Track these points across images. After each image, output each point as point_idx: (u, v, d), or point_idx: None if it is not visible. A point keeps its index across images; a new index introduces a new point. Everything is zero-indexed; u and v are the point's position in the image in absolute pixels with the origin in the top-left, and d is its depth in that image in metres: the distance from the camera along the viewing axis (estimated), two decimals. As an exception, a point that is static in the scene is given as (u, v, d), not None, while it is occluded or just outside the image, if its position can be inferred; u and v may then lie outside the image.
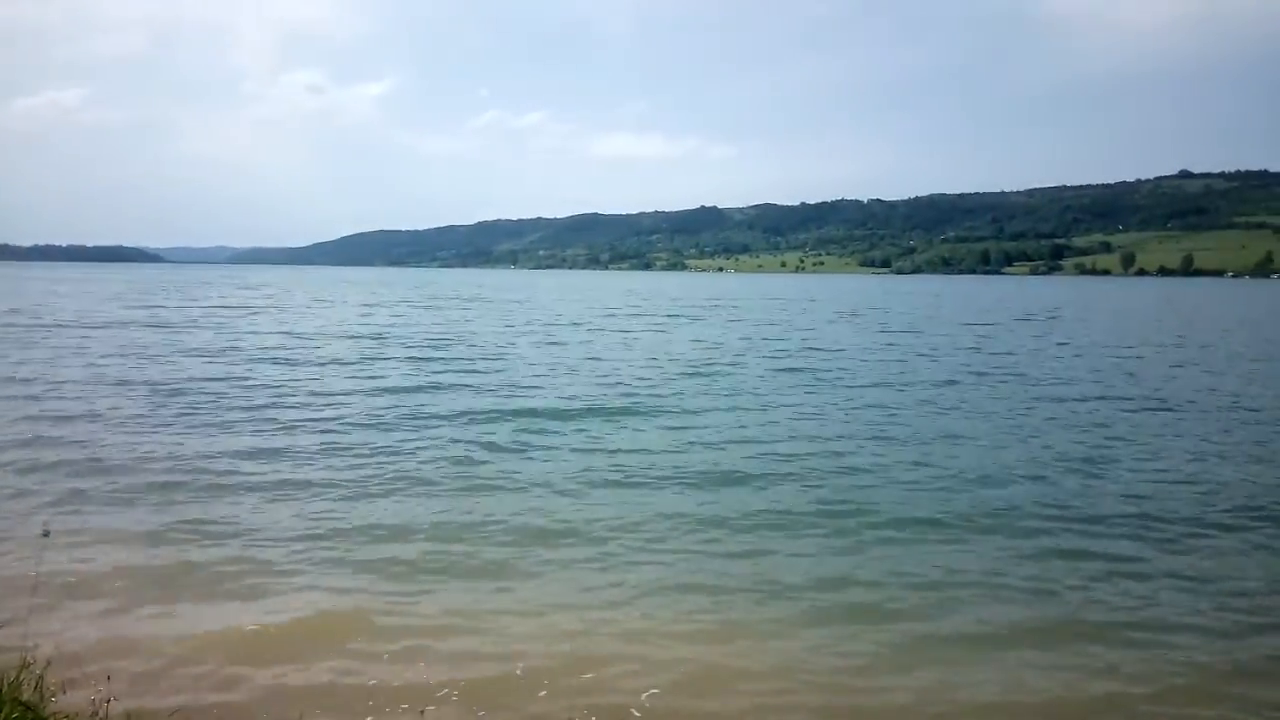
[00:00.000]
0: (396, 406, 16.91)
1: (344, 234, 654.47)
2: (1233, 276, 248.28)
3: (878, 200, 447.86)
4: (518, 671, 6.34)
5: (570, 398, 18.41)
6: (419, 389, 19.42)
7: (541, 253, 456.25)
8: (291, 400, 17.60)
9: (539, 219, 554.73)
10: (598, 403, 17.81)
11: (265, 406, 16.72)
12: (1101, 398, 19.66)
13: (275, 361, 24.20)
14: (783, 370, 24.27)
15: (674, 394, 19.34)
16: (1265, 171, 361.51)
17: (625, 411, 16.83)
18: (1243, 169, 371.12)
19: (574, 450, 13.38)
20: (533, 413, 16.41)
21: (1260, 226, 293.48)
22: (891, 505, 10.60)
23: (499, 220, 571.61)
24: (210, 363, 23.31)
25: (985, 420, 16.62)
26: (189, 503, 10.20)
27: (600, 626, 7.13)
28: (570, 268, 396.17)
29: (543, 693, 6.06)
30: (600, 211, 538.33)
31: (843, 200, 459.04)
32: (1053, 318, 53.29)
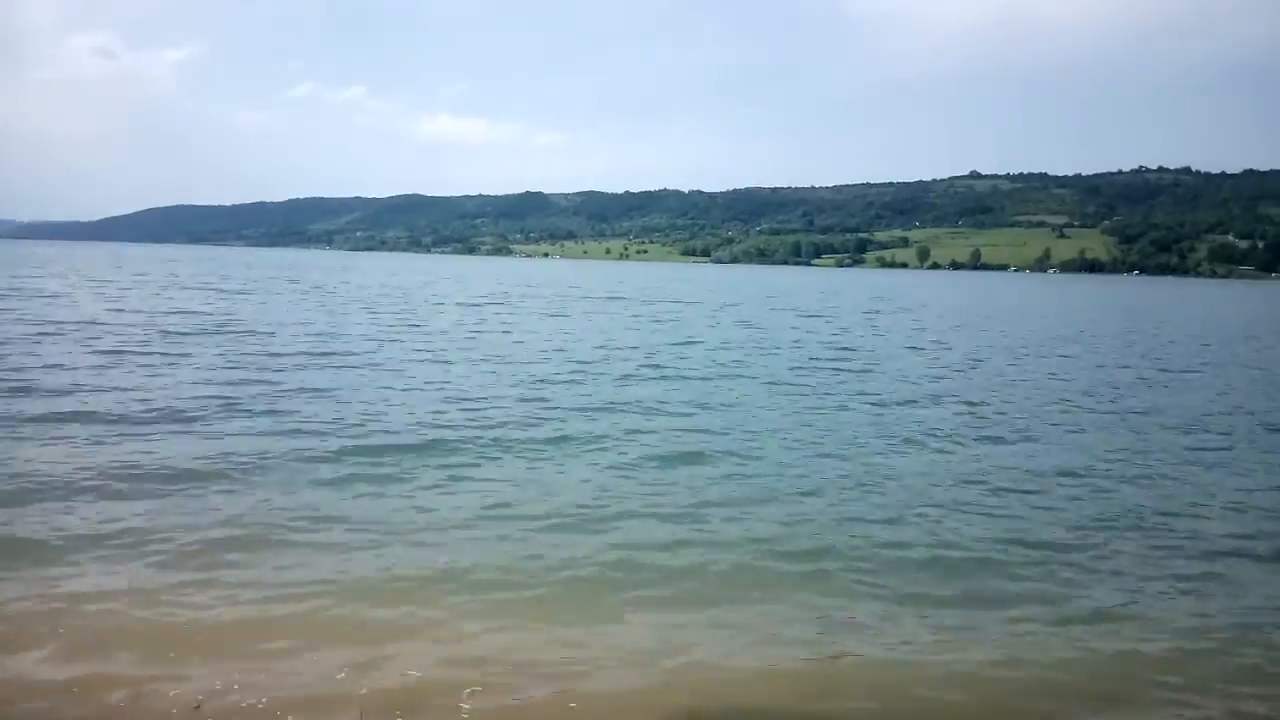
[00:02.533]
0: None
1: (141, 207, 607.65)
2: (1015, 270, 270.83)
3: (699, 191, 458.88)
4: (339, 675, 5.97)
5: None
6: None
7: (360, 233, 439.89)
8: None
9: (357, 198, 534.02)
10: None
11: None
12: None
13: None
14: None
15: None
16: (1045, 174, 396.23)
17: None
18: (1025, 171, 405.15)
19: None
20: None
21: (1040, 225, 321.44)
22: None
23: (313, 198, 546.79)
24: None
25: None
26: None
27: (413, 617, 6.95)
28: (391, 250, 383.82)
29: (364, 690, 5.76)
30: (422, 193, 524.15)
31: (665, 190, 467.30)
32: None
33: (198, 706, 5.41)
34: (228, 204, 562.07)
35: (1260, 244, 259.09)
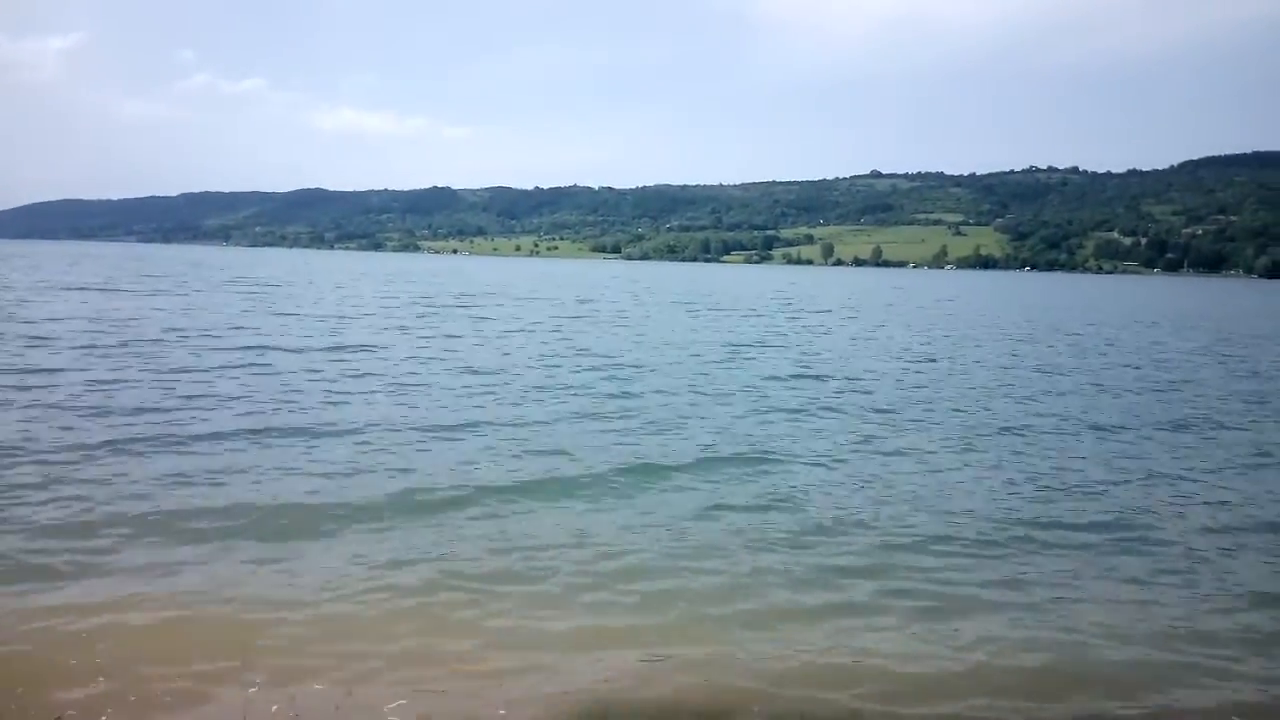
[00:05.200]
0: None
1: (24, 203, 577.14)
2: (914, 267, 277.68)
3: (608, 188, 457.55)
4: (251, 690, 5.84)
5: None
6: None
7: (258, 229, 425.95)
8: None
9: (255, 192, 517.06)
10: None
11: None
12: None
13: None
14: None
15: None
16: (941, 173, 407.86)
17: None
18: (923, 170, 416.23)
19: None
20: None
21: (937, 223, 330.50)
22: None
23: (209, 192, 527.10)
24: None
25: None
26: None
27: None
28: (291, 246, 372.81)
29: (253, 689, 5.77)
30: (325, 187, 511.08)
31: (575, 186, 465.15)
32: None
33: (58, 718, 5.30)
34: (116, 198, 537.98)
35: (1143, 241, 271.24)
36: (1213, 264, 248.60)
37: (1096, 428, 15.32)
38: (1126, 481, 11.67)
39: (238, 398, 14.93)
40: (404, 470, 10.95)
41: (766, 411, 15.79)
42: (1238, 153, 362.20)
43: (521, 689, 5.96)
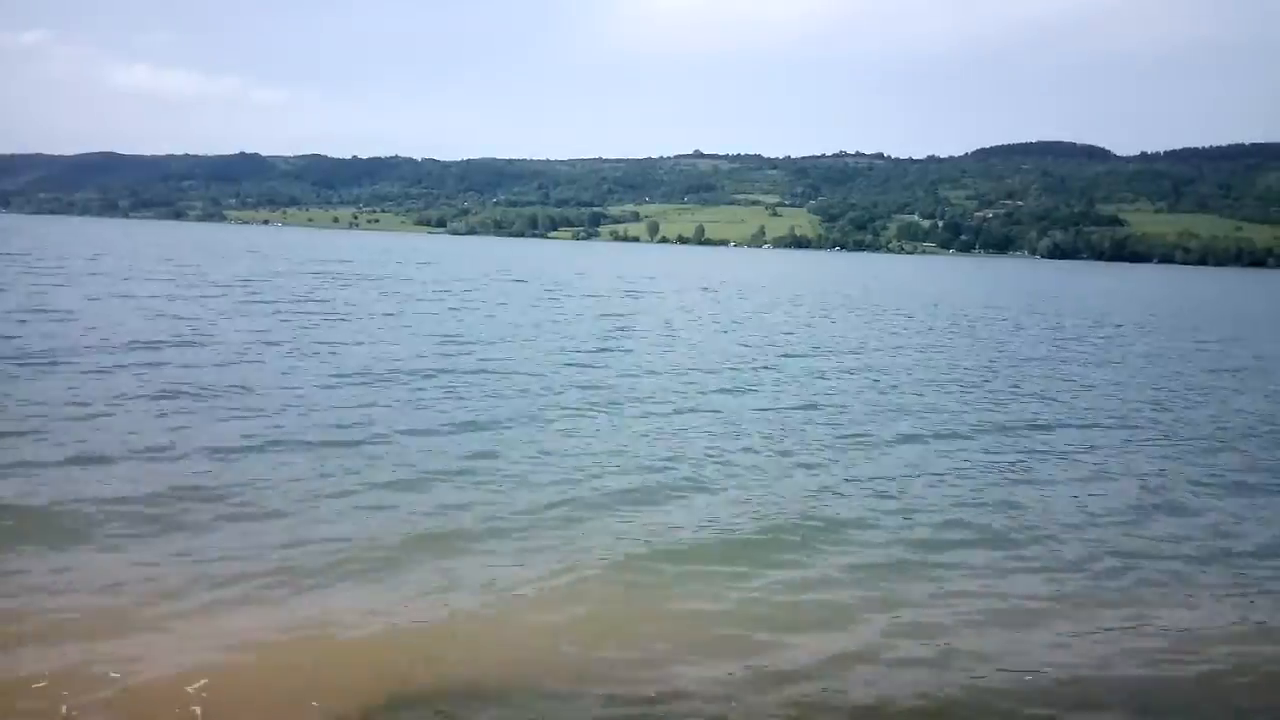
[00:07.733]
0: None
1: None
2: (734, 245, 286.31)
3: (432, 160, 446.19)
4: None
5: None
6: None
7: (42, 195, 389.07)
8: None
9: (39, 155, 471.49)
10: None
11: None
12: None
13: None
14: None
15: None
16: (759, 155, 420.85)
17: None
18: (742, 152, 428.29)
19: None
20: None
21: (755, 203, 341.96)
22: None
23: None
24: None
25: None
26: None
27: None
28: (81, 214, 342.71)
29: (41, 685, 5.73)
30: (118, 151, 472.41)
31: (397, 157, 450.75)
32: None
33: None
34: None
35: (940, 223, 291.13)
36: (1001, 245, 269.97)
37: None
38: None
39: None
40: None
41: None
42: (1023, 142, 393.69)
43: (329, 673, 5.98)
